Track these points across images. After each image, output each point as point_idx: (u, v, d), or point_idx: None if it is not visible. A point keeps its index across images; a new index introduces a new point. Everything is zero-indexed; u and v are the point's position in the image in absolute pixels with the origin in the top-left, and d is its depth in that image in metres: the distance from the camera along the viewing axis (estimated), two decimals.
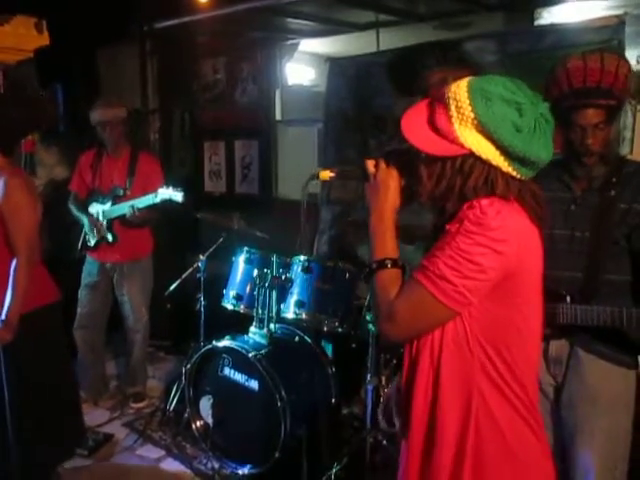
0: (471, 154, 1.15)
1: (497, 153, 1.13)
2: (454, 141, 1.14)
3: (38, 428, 2.27)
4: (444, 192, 1.20)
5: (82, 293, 3.48)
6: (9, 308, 2.11)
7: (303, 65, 5.19)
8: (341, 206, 3.97)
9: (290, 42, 4.54)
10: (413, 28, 4.04)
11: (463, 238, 1.12)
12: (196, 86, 4.96)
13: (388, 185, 1.28)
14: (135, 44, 4.93)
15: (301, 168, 4.42)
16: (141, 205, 3.17)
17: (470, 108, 1.12)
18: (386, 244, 1.26)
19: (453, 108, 1.14)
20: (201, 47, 4.95)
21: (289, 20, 4.12)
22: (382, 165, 1.31)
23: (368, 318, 2.62)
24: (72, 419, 2.53)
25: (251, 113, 4.58)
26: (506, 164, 1.15)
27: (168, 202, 3.10)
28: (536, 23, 3.58)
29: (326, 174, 1.43)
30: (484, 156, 1.14)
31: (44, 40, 5.54)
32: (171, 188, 3.07)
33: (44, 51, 5.22)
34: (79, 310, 3.48)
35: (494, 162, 1.14)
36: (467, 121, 1.12)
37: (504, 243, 1.12)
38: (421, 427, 1.24)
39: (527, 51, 3.12)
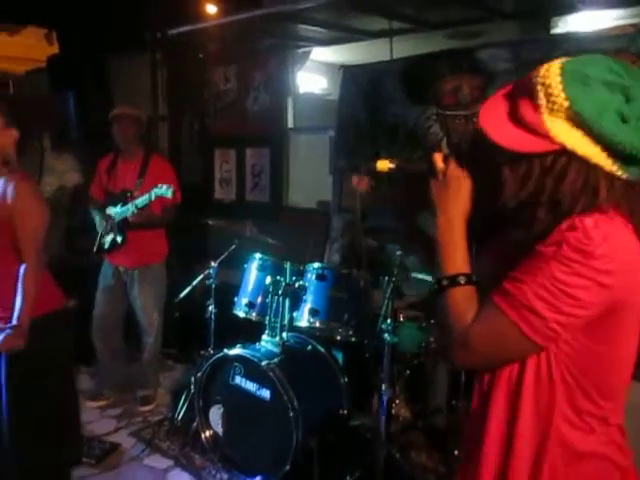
0: (564, 151, 0.96)
1: (597, 149, 0.94)
2: (543, 135, 0.96)
3: (37, 432, 2.23)
4: (531, 196, 1.01)
5: (98, 296, 3.53)
6: (20, 313, 2.09)
7: (315, 73, 5.19)
8: (352, 214, 3.94)
9: (302, 50, 4.54)
10: (426, 36, 4.03)
11: (561, 266, 0.94)
12: (207, 94, 4.97)
13: (459, 185, 1.13)
14: (146, 52, 4.96)
15: (312, 176, 4.41)
16: (140, 204, 3.19)
17: (564, 95, 0.93)
18: (457, 255, 1.11)
19: (542, 95, 0.95)
20: (212, 55, 4.97)
21: (301, 27, 4.11)
22: (453, 162, 1.15)
23: (383, 327, 2.57)
24: (71, 426, 2.50)
25: (262, 121, 4.57)
26: (609, 162, 0.95)
27: (160, 197, 3.13)
28: (551, 32, 3.56)
29: (384, 164, 1.27)
30: (581, 153, 0.95)
31: (54, 50, 5.58)
32: (165, 187, 3.10)
33: (56, 59, 5.25)
34: (95, 312, 3.52)
35: (594, 160, 0.95)
36: (560, 111, 0.94)
37: (610, 275, 0.94)
38: (494, 456, 1.11)
39: (542, 59, 3.10)
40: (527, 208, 1.04)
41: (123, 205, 3.31)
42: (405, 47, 4.00)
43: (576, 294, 0.94)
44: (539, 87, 0.96)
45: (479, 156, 1.12)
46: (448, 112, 3.39)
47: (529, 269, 0.98)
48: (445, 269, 1.11)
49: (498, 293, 1.01)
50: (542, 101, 0.96)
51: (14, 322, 2.08)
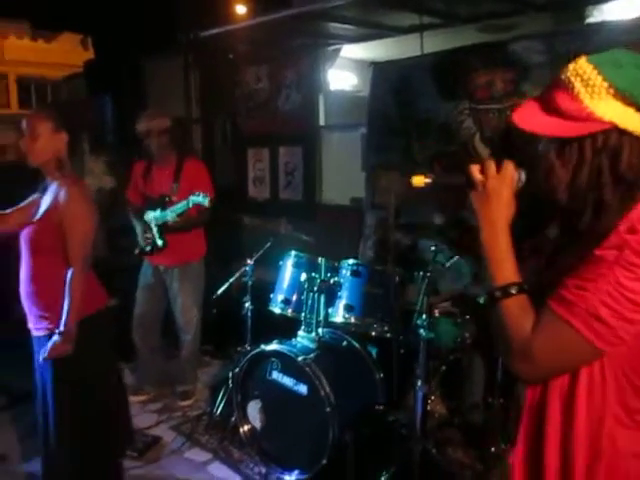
0: (614, 128, 0.97)
1: None
2: (589, 117, 0.97)
3: (85, 429, 2.29)
4: (589, 181, 1.01)
5: (138, 294, 3.63)
6: (67, 319, 2.13)
7: (345, 70, 5.20)
8: (385, 211, 3.94)
9: (332, 48, 4.56)
10: (457, 30, 4.00)
11: (625, 272, 0.93)
12: (238, 94, 5.03)
13: (500, 193, 1.10)
14: (179, 55, 5.05)
15: (345, 173, 4.43)
16: (178, 211, 3.27)
17: (601, 77, 0.96)
18: (505, 265, 1.09)
19: (579, 84, 0.98)
20: (243, 56, 5.04)
21: (331, 25, 4.13)
22: (492, 170, 1.12)
23: (418, 323, 2.58)
24: (118, 422, 2.54)
25: (294, 119, 4.61)
26: None
27: (197, 205, 3.20)
28: (586, 22, 3.50)
29: (420, 180, 1.24)
30: (631, 127, 0.96)
31: (89, 56, 5.76)
32: (202, 194, 3.17)
33: (93, 64, 5.40)
34: (135, 310, 3.62)
35: None
36: (600, 92, 0.96)
37: None
38: (553, 459, 1.10)
39: (577, 50, 3.05)
40: (579, 201, 1.03)
41: (162, 210, 3.38)
42: (436, 42, 3.99)
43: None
44: (574, 78, 0.98)
45: (515, 158, 1.11)
46: (481, 106, 3.38)
47: (590, 275, 0.97)
48: (495, 280, 1.09)
49: (557, 301, 1.00)
50: (580, 88, 0.98)
51: (61, 328, 2.13)
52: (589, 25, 3.43)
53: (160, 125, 3.45)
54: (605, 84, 0.96)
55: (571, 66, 1.00)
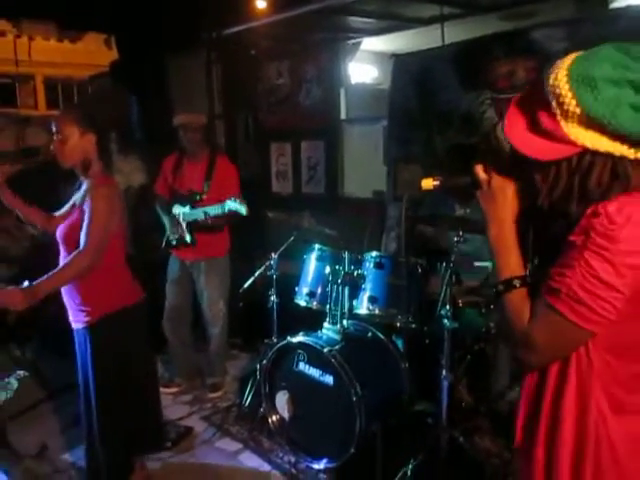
0: (587, 150, 1.01)
1: (618, 143, 0.99)
2: (564, 138, 1.01)
3: (120, 422, 2.37)
4: (563, 194, 1.07)
5: (168, 288, 3.72)
6: (42, 282, 2.03)
7: (366, 63, 5.21)
8: (408, 203, 3.95)
9: (353, 41, 4.57)
10: (478, 20, 3.98)
11: (592, 254, 1.00)
12: (260, 90, 5.08)
13: (505, 191, 1.17)
14: (201, 52, 5.11)
15: (367, 166, 4.45)
16: (212, 212, 3.32)
17: (574, 102, 0.98)
18: (510, 259, 1.16)
19: (555, 104, 1.00)
20: (265, 51, 5.08)
21: (352, 19, 4.15)
22: (495, 171, 1.18)
23: (442, 313, 2.60)
24: (153, 415, 2.61)
25: (316, 114, 4.64)
26: (632, 151, 0.99)
27: (234, 213, 3.23)
28: (610, 7, 3.45)
29: (429, 183, 1.30)
30: (603, 150, 1.00)
31: (113, 55, 5.86)
32: (238, 201, 3.20)
33: (118, 63, 5.50)
34: (166, 304, 3.71)
35: (617, 153, 1.00)
36: (574, 117, 0.99)
37: (637, 254, 0.99)
38: (544, 438, 1.17)
39: (601, 37, 2.99)
40: (561, 205, 1.08)
41: (192, 207, 3.44)
42: (456, 32, 3.96)
43: (610, 280, 0.99)
44: (551, 97, 1.01)
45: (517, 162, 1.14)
46: (502, 96, 3.35)
47: (568, 261, 1.03)
48: (501, 275, 1.16)
49: (546, 290, 1.06)
50: (557, 110, 1.00)
51: (31, 284, 2.00)
52: (613, 10, 3.38)
53: (197, 121, 3.53)
54: (578, 110, 0.98)
55: (552, 79, 1.01)
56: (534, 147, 1.05)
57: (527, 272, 1.16)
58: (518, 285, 1.13)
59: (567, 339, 1.07)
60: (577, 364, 1.11)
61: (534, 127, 1.05)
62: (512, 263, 1.16)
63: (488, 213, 1.19)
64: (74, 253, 2.15)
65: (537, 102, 1.04)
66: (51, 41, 19.03)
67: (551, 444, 1.15)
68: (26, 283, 2.01)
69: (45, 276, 2.07)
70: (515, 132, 1.07)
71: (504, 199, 1.17)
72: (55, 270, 2.13)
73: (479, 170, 1.20)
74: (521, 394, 1.25)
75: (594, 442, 1.10)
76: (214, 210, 3.30)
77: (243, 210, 3.19)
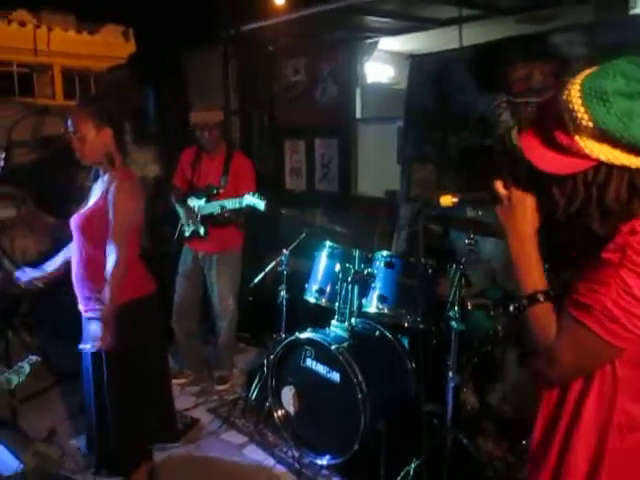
0: (603, 163, 1.01)
1: (632, 155, 0.99)
2: (579, 152, 1.02)
3: (133, 412, 2.39)
4: (582, 208, 1.06)
5: (178, 281, 3.74)
6: (105, 305, 2.20)
7: (382, 63, 5.21)
8: (421, 203, 3.96)
9: (370, 41, 4.57)
10: (496, 22, 3.97)
11: (629, 272, 0.99)
12: (276, 87, 5.10)
13: (525, 206, 1.17)
14: (218, 48, 5.13)
15: (380, 165, 4.46)
16: (229, 206, 3.34)
17: (587, 117, 0.98)
18: (532, 273, 1.16)
19: (568, 119, 1.01)
20: (281, 49, 5.09)
21: (369, 19, 4.16)
22: (514, 185, 1.19)
23: (450, 315, 2.61)
24: (166, 404, 2.64)
25: (331, 112, 4.65)
26: None
27: (251, 208, 3.24)
28: (631, 13, 3.42)
29: (448, 200, 1.28)
30: (618, 163, 1.00)
31: (131, 47, 5.91)
32: (256, 196, 3.21)
33: (135, 57, 5.54)
34: (175, 298, 3.74)
35: (633, 166, 1.00)
36: (587, 131, 0.99)
37: None
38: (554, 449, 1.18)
39: (620, 43, 2.97)
40: (582, 221, 1.08)
41: (208, 200, 3.47)
42: (474, 34, 3.95)
43: None
44: (565, 112, 1.01)
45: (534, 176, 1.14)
46: (519, 99, 3.34)
47: (599, 277, 1.02)
48: (524, 289, 1.16)
49: (573, 305, 1.06)
50: (570, 124, 1.01)
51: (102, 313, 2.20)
52: (633, 17, 3.35)
53: (216, 118, 3.54)
54: (590, 124, 0.98)
55: (565, 94, 1.02)
56: (549, 161, 1.06)
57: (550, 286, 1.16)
58: (542, 299, 1.13)
59: (595, 355, 1.06)
60: (601, 380, 1.10)
61: (549, 142, 1.05)
62: (535, 277, 1.16)
63: (508, 227, 1.19)
64: (109, 261, 2.20)
65: (552, 118, 1.05)
66: (70, 32, 19.20)
67: (563, 460, 1.15)
68: (27, 271, 2.11)
69: (100, 295, 2.20)
70: (535, 151, 1.08)
71: (524, 214, 1.17)
72: (106, 287, 2.19)
73: (499, 186, 1.21)
74: (538, 408, 1.24)
75: (609, 457, 1.10)
76: (232, 204, 3.32)
77: (261, 206, 3.19)
